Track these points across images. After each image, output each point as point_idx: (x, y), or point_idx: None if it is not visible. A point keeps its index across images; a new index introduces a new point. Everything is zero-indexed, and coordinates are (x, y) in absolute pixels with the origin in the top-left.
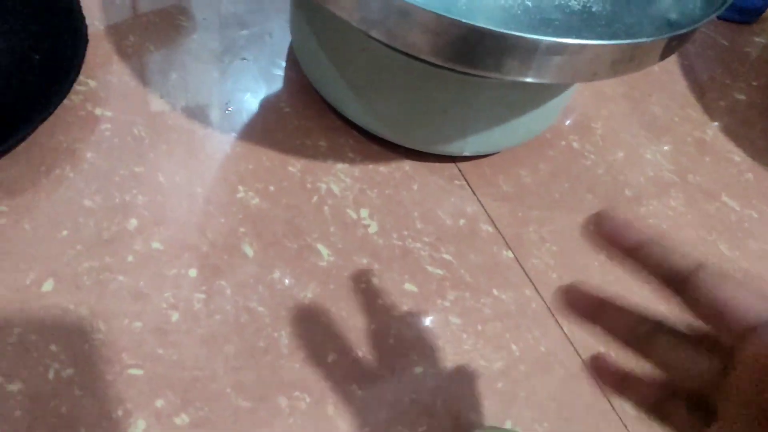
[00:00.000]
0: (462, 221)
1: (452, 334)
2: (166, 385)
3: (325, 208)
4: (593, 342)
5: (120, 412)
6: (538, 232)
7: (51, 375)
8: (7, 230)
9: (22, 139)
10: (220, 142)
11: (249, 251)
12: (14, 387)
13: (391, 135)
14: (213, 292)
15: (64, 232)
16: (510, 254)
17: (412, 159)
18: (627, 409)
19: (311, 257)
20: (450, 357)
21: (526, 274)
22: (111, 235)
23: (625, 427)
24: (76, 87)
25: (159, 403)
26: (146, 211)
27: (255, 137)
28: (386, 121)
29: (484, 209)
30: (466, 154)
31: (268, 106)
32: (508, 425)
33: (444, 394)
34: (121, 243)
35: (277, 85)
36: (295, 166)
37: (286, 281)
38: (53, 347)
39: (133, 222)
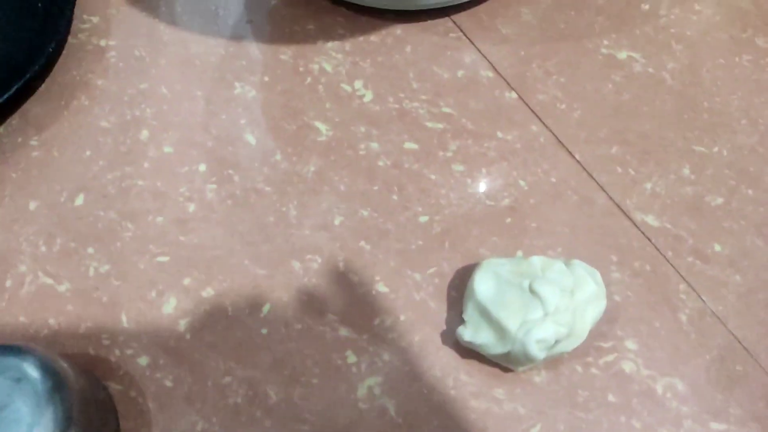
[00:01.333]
0: (460, 72)
1: (456, 181)
2: (191, 265)
3: (319, 86)
4: (610, 164)
5: (153, 294)
6: (542, 67)
7: (91, 272)
8: (39, 160)
9: (39, 75)
10: (214, 47)
11: (251, 139)
12: (62, 287)
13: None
14: (222, 180)
15: (88, 153)
16: (513, 95)
17: (404, 22)
18: (648, 221)
19: (310, 134)
20: (455, 203)
21: (532, 111)
22: (127, 148)
23: (649, 240)
24: (81, 26)
25: (186, 281)
26: (155, 121)
27: (245, 35)
28: None
29: (483, 56)
30: (452, 2)
31: (255, 2)
32: (519, 255)
33: (451, 236)
34: (136, 153)
35: None
36: (286, 53)
37: (289, 160)
38: (90, 249)
39: (145, 133)
